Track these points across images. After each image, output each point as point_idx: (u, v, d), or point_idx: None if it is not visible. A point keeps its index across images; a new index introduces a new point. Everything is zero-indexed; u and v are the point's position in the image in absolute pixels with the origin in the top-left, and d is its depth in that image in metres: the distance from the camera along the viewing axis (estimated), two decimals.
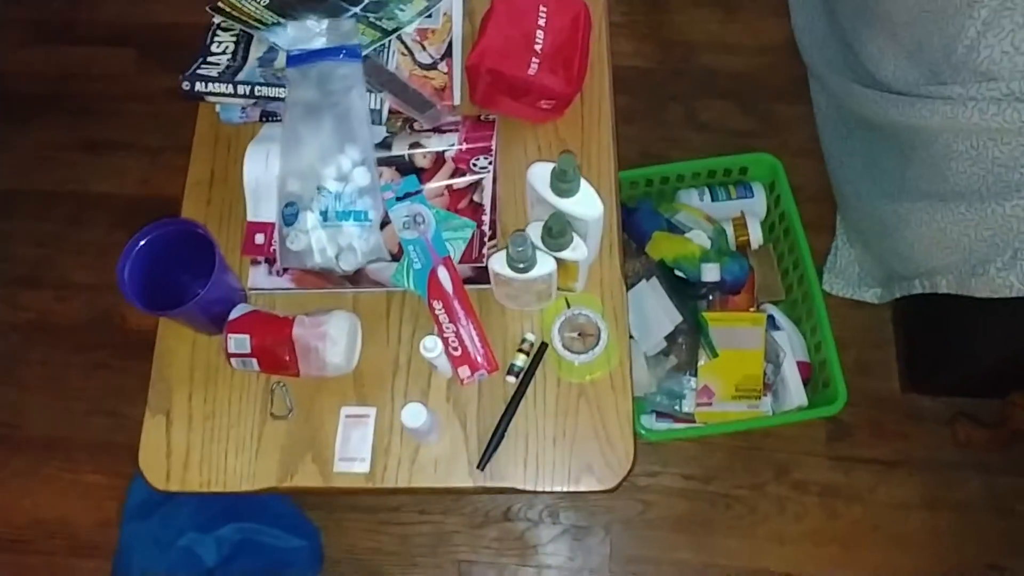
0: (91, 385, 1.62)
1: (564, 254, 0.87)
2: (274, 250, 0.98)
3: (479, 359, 0.93)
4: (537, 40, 1.04)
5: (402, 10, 1.08)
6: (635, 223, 1.43)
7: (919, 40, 1.14)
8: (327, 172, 0.95)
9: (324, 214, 0.95)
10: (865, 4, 1.32)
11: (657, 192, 1.51)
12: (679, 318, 1.31)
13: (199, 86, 1.00)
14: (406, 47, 1.08)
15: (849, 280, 1.49)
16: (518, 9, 1.06)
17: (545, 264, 0.86)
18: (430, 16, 1.09)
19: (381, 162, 1.01)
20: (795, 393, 1.33)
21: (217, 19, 1.06)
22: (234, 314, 0.90)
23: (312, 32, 1.00)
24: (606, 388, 0.93)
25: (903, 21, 1.19)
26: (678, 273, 1.37)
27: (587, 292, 0.97)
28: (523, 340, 0.95)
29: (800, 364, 1.35)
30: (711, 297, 1.35)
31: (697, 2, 1.78)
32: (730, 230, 1.43)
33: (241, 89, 1.00)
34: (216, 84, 0.99)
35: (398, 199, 0.99)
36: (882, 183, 1.29)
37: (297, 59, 0.99)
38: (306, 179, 0.96)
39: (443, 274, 0.96)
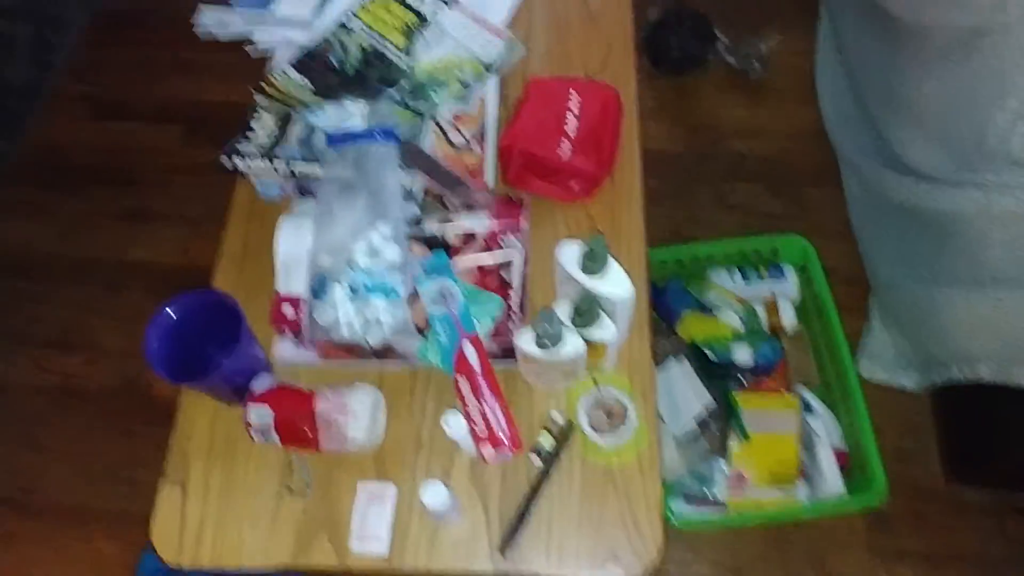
0: (113, 452, 1.62)
1: (592, 333, 0.86)
2: (301, 323, 0.99)
3: (504, 438, 0.91)
4: (568, 123, 1.06)
5: (438, 94, 1.11)
6: (665, 302, 1.42)
7: (947, 128, 1.14)
8: (358, 246, 0.96)
9: (353, 288, 0.96)
10: (891, 92, 1.33)
11: (687, 272, 1.50)
12: (709, 399, 1.28)
13: (237, 161, 1.02)
14: (441, 129, 1.10)
15: (885, 365, 1.45)
16: (551, 94, 1.09)
17: (573, 343, 0.85)
18: (465, 101, 1.12)
19: (412, 238, 1.02)
20: (831, 480, 1.28)
21: (260, 99, 1.10)
22: (257, 386, 0.90)
23: (351, 113, 1.03)
24: (634, 471, 0.90)
25: (930, 111, 1.20)
26: (708, 354, 1.35)
27: (615, 372, 0.96)
28: (549, 419, 0.93)
29: (835, 451, 1.30)
30: (742, 379, 1.32)
31: (724, 89, 1.81)
32: (762, 312, 1.42)
33: (278, 165, 1.02)
34: (254, 160, 1.02)
35: (427, 275, 0.99)
36: (917, 267, 1.27)
37: (335, 139, 1.01)
38: (337, 253, 0.97)
39: (469, 350, 0.95)
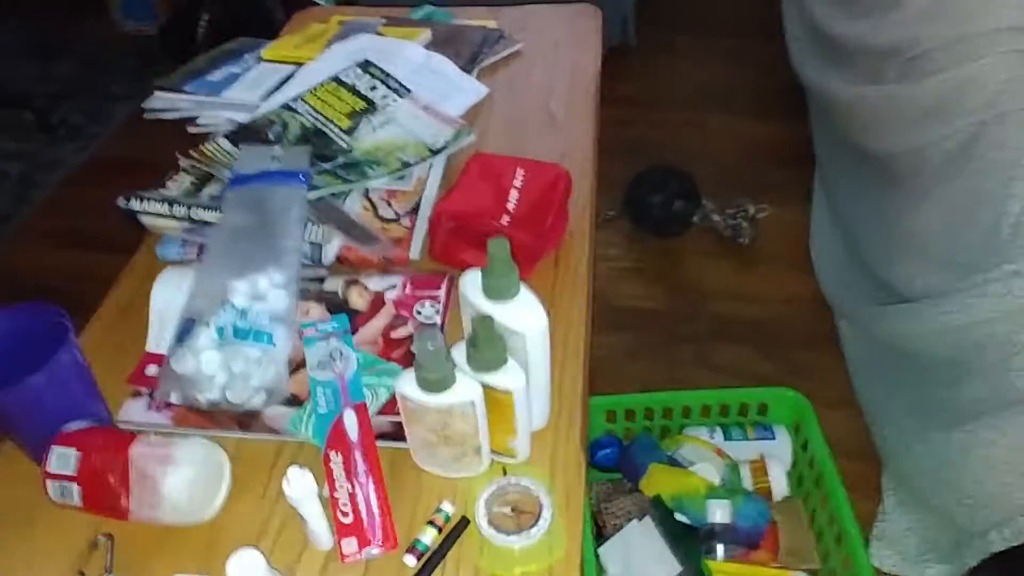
0: None
1: (494, 379, 0.67)
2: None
3: (373, 530, 0.69)
4: (510, 200, 0.95)
5: (373, 170, 1.03)
6: (629, 457, 1.20)
7: (954, 240, 1.03)
8: (239, 286, 0.82)
9: (221, 331, 0.79)
10: (889, 232, 1.24)
11: (659, 428, 1.30)
12: (677, 568, 1.01)
13: (135, 203, 0.92)
14: (371, 202, 1.00)
15: (905, 554, 1.18)
16: (493, 170, 0.99)
17: (467, 388, 0.66)
18: (403, 179, 1.04)
19: (310, 296, 0.87)
20: None
21: (183, 163, 1.03)
22: (71, 426, 0.70)
23: (266, 158, 0.94)
24: None
25: (932, 232, 1.10)
26: (679, 517, 1.10)
27: (533, 464, 0.75)
28: (437, 510, 0.71)
29: None
30: (721, 547, 1.06)
31: (710, 253, 1.72)
32: (747, 472, 1.18)
33: (177, 210, 0.91)
34: (152, 203, 0.92)
35: (319, 338, 0.83)
36: (933, 414, 1.08)
37: (239, 180, 0.91)
38: (214, 294, 0.82)
39: (350, 420, 0.76)
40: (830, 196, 1.62)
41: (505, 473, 0.73)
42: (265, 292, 0.82)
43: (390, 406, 0.78)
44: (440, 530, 0.69)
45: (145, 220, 0.93)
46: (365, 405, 0.77)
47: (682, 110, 2.11)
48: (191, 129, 1.15)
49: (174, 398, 0.79)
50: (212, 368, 0.78)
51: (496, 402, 0.68)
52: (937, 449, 1.05)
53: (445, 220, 0.92)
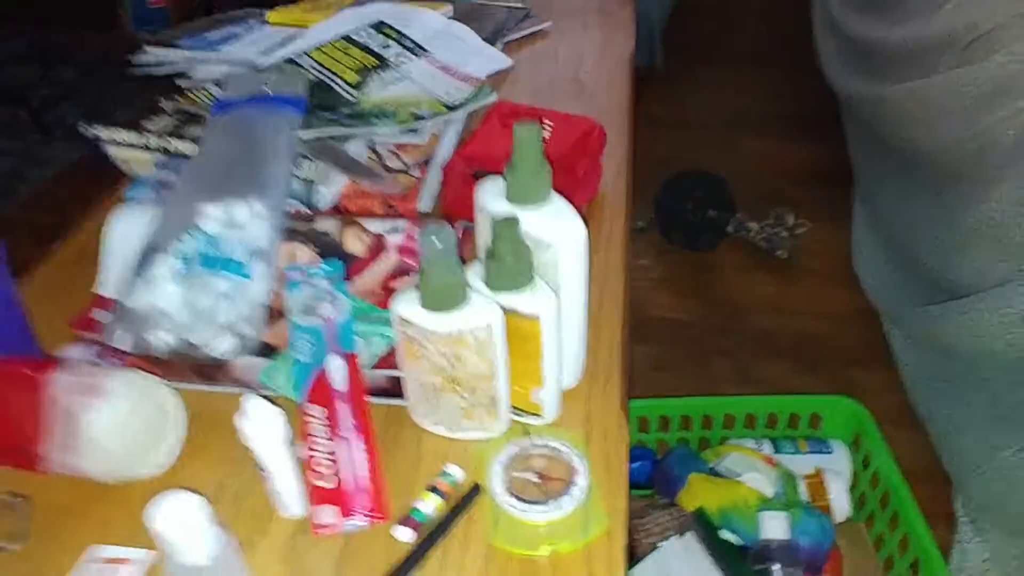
0: None
1: (517, 300, 0.53)
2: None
3: (360, 497, 0.54)
4: None
5: (381, 121, 0.90)
6: (665, 469, 1.04)
7: None
8: (212, 211, 0.68)
9: (186, 260, 0.65)
10: (951, 228, 1.11)
11: (697, 441, 1.13)
12: None
13: (101, 130, 0.80)
14: (376, 154, 0.88)
15: None
16: (517, 119, 0.88)
17: (483, 309, 0.52)
18: (416, 133, 0.92)
19: (297, 237, 0.73)
20: None
21: (166, 105, 0.91)
22: None
23: (257, 84, 0.82)
24: (579, 570, 0.50)
25: (1007, 216, 0.97)
26: (726, 536, 0.93)
27: (562, 426, 0.60)
28: (442, 474, 0.55)
29: None
30: (778, 568, 0.88)
31: (747, 266, 1.58)
32: (803, 490, 1.01)
33: (149, 140, 0.79)
34: (121, 131, 0.79)
35: (306, 282, 0.69)
36: (1014, 419, 0.92)
37: (224, 105, 0.79)
38: (183, 221, 0.68)
39: (336, 368, 0.61)
40: (872, 208, 1.50)
41: (528, 433, 0.58)
42: (244, 222, 0.69)
43: (386, 360, 0.64)
44: (445, 498, 0.54)
45: (113, 152, 0.80)
46: (355, 354, 0.63)
47: (711, 131, 2.01)
48: (182, 83, 1.04)
49: (122, 342, 0.64)
50: (171, 303, 0.64)
51: (519, 335, 0.54)
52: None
53: (461, 165, 0.80)
